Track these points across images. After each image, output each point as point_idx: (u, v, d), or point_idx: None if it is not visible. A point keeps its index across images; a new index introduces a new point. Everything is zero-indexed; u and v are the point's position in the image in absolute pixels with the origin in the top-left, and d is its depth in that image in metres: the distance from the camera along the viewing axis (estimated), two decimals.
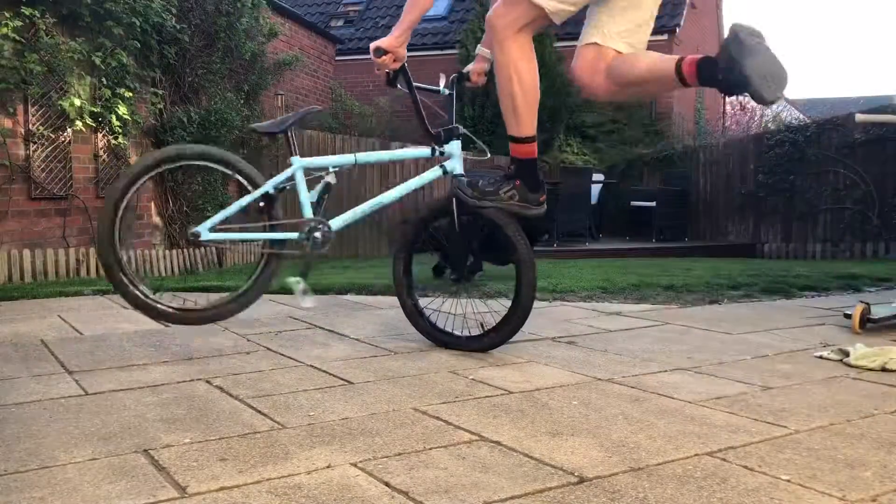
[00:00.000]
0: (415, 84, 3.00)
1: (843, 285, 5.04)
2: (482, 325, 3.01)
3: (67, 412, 2.17)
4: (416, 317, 3.12)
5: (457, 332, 3.04)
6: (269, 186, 2.93)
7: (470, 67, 3.23)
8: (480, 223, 2.95)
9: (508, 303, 2.89)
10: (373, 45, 2.81)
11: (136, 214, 7.14)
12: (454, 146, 2.96)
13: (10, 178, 5.93)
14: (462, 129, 2.98)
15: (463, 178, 2.88)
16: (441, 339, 3.06)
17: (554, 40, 12.47)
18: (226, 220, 2.98)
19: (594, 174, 11.63)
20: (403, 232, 3.18)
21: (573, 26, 2.74)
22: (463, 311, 3.04)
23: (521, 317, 2.87)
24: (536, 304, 3.10)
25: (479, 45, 3.16)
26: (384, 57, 2.79)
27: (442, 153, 2.97)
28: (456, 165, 2.95)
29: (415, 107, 3.00)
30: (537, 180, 2.79)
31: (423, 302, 3.13)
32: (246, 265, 8.81)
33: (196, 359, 2.86)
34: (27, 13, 5.83)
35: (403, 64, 2.89)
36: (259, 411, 2.17)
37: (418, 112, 2.99)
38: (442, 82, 3.15)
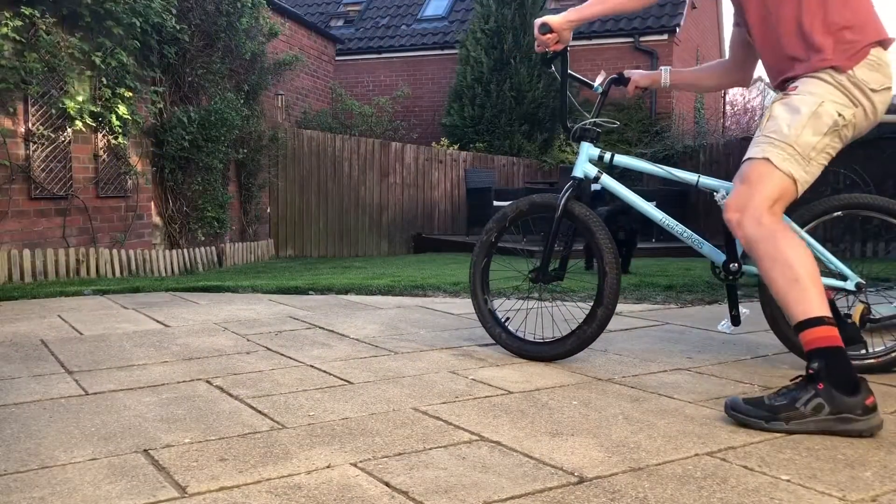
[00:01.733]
0: (569, 73, 2.91)
1: None
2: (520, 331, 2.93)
3: (67, 412, 2.17)
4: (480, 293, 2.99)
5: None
6: None
7: (635, 73, 2.98)
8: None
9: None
10: (539, 21, 2.64)
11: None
12: (582, 146, 2.87)
13: (10, 178, 5.94)
14: (597, 129, 2.85)
15: (738, 401, 2.10)
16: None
17: None
18: None
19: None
20: (512, 207, 3.03)
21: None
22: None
23: (587, 337, 2.75)
24: (534, 303, 3.10)
25: (667, 68, 2.94)
26: (549, 35, 2.63)
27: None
28: (576, 165, 2.85)
29: (561, 96, 2.92)
30: (851, 376, 1.99)
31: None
32: (246, 265, 8.81)
33: (196, 359, 2.86)
34: (27, 13, 5.84)
35: (566, 48, 2.75)
36: (259, 411, 2.17)
37: (563, 102, 2.91)
38: (599, 79, 2.94)
